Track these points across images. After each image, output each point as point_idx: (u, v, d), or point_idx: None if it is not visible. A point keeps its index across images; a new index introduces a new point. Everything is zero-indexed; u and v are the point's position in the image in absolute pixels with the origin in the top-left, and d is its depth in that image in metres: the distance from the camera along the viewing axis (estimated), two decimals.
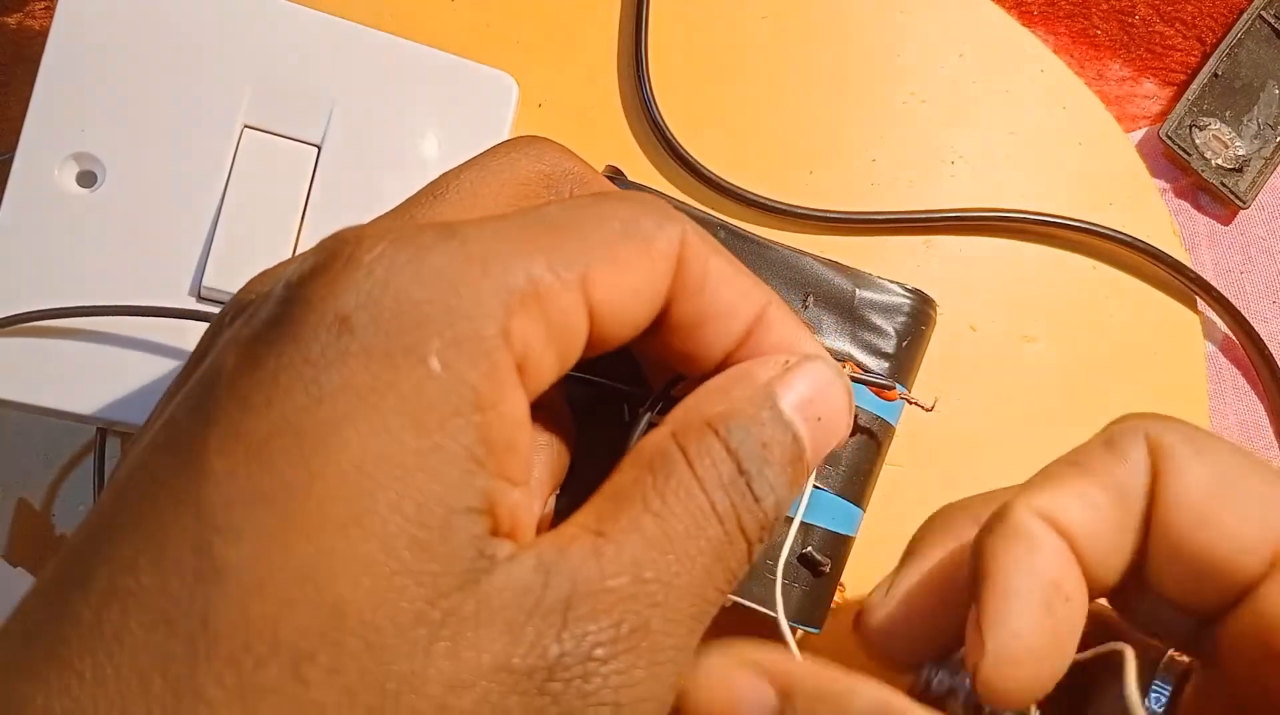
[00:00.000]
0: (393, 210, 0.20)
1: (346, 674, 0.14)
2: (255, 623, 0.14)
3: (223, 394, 0.15)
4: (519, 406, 0.16)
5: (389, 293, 0.15)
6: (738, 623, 0.29)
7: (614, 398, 0.24)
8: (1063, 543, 0.20)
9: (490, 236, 0.17)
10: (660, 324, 0.20)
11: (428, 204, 0.20)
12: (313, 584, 0.14)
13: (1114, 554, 0.20)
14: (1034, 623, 0.19)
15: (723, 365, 0.21)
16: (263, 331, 0.16)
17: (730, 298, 0.20)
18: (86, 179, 0.29)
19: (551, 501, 0.22)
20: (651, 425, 0.22)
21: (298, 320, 0.15)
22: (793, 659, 0.19)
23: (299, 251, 0.29)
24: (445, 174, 0.21)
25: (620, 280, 0.18)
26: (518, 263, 0.16)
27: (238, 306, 0.19)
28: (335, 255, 0.16)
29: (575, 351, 0.18)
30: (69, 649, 0.14)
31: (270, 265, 0.28)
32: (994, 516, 0.21)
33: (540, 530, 0.20)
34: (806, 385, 0.20)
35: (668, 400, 0.22)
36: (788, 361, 0.20)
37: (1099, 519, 0.20)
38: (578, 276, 0.17)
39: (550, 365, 0.17)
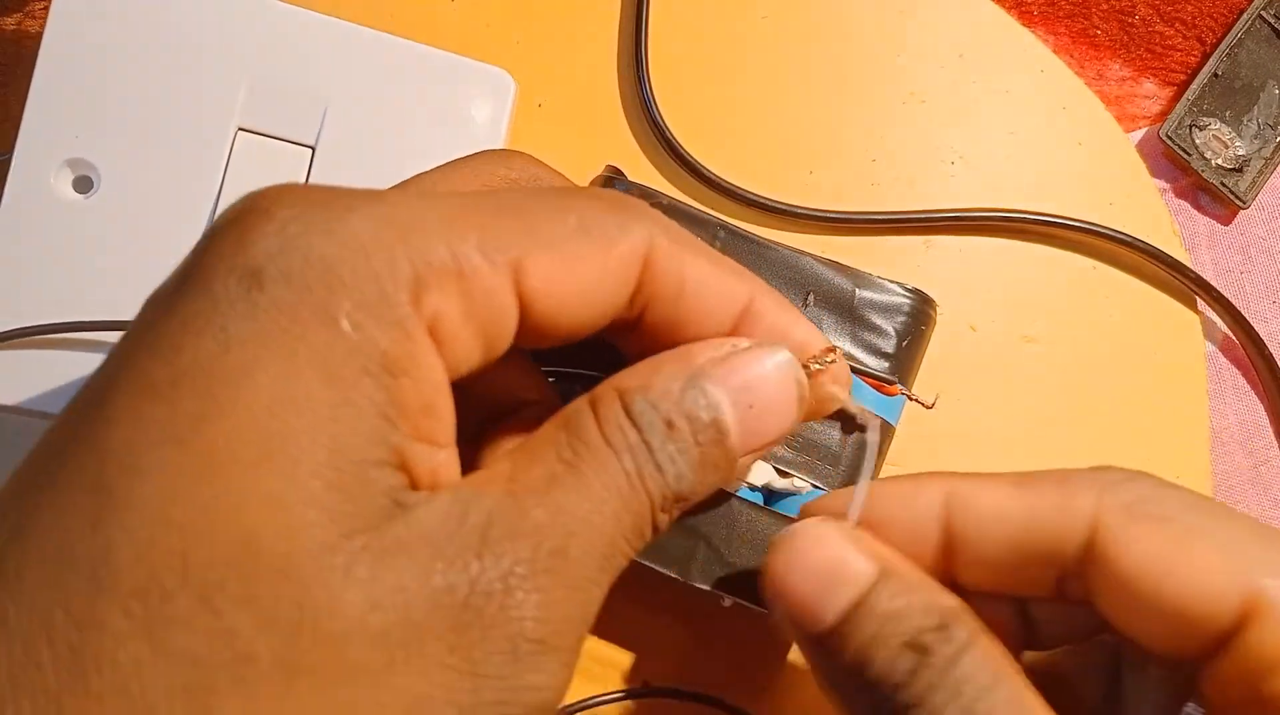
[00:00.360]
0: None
1: (260, 601, 0.14)
2: (161, 555, 0.14)
3: (131, 344, 0.16)
4: (434, 372, 0.17)
5: (300, 250, 0.15)
6: (738, 621, 0.29)
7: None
8: (933, 518, 0.21)
9: (420, 209, 0.17)
10: (640, 324, 0.20)
11: (388, 195, 0.20)
12: (222, 517, 0.14)
13: (1000, 561, 0.21)
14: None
15: None
16: (174, 282, 0.16)
17: (710, 299, 0.20)
18: (82, 185, 0.28)
19: None
20: None
21: (208, 269, 0.15)
22: (888, 547, 0.21)
23: None
24: (416, 175, 0.21)
25: (564, 275, 0.18)
26: (441, 236, 0.16)
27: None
28: (250, 209, 0.16)
29: (502, 335, 0.18)
30: (22, 589, 0.14)
31: None
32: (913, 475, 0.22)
33: None
34: (745, 372, 0.20)
35: None
36: (735, 346, 0.20)
37: (1004, 525, 0.20)
38: (508, 261, 0.17)
39: (470, 343, 0.17)
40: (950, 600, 0.20)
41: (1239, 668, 0.18)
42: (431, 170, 0.21)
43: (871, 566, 0.20)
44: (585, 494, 0.17)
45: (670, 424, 0.18)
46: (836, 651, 0.19)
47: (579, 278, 0.18)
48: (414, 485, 0.17)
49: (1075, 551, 0.20)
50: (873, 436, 0.26)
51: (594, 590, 0.17)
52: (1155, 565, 0.19)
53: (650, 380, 0.19)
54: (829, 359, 0.22)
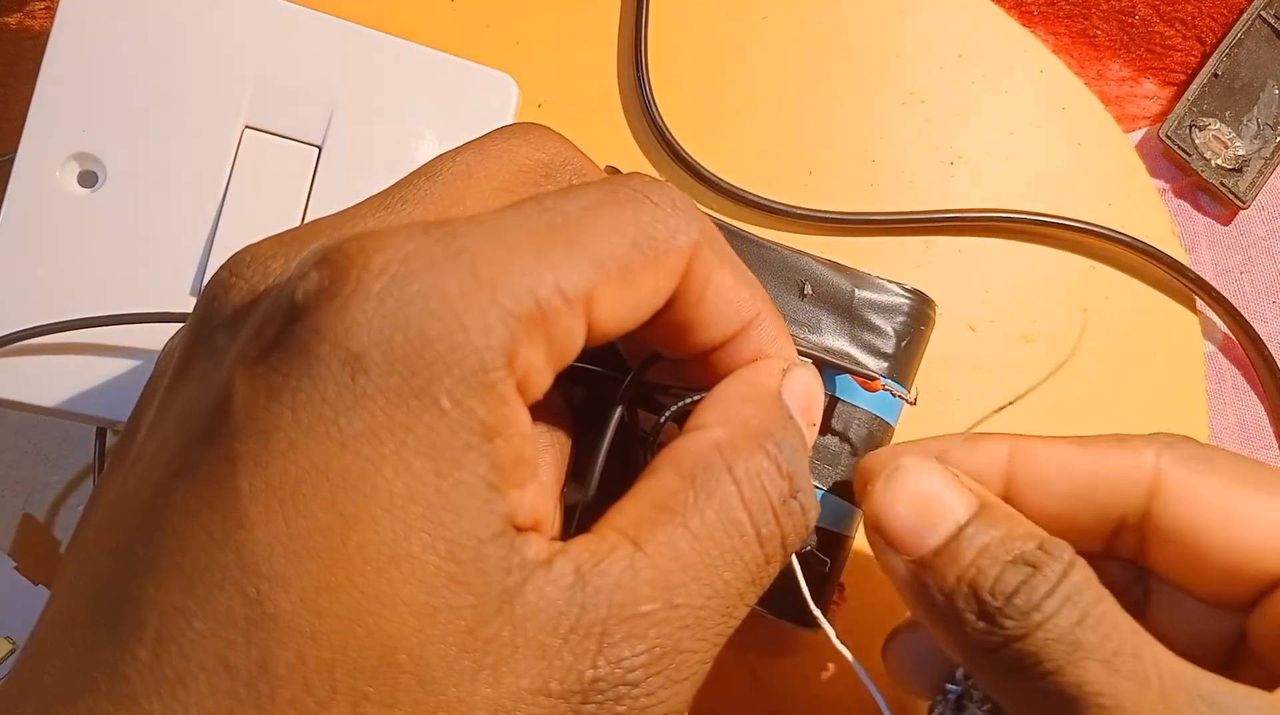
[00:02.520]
0: (386, 192, 0.20)
1: (401, 709, 0.15)
2: (312, 666, 0.15)
3: (240, 427, 0.15)
4: (523, 424, 0.17)
5: (399, 330, 0.15)
6: None
7: (591, 379, 0.24)
8: (997, 470, 0.22)
9: (495, 249, 0.16)
10: (650, 320, 0.20)
11: (422, 186, 0.20)
12: (362, 627, 0.15)
13: (1060, 513, 0.22)
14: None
15: (699, 358, 0.21)
16: (274, 360, 0.16)
17: (724, 312, 0.20)
18: (88, 179, 0.29)
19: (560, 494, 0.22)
20: (628, 411, 0.22)
21: (310, 353, 0.15)
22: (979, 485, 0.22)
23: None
24: (440, 156, 0.20)
25: (625, 296, 0.18)
26: (524, 282, 0.16)
27: (232, 312, 0.18)
28: (341, 276, 0.16)
29: (569, 360, 0.18)
30: (133, 689, 0.15)
31: None
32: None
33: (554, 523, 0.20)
34: (802, 391, 0.20)
35: (641, 385, 0.22)
36: (780, 368, 0.21)
37: (1066, 477, 0.22)
38: (583, 297, 0.17)
39: (547, 378, 0.17)
40: (1040, 533, 0.21)
41: None
42: (459, 152, 0.20)
43: (972, 498, 0.21)
44: (711, 579, 0.17)
45: (780, 469, 0.19)
46: (941, 572, 0.21)
47: (636, 297, 0.18)
48: (519, 529, 0.17)
49: (1138, 501, 0.22)
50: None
51: (703, 669, 0.18)
52: (1218, 510, 0.21)
53: (767, 419, 0.19)
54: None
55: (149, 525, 0.16)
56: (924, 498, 0.22)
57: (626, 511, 0.18)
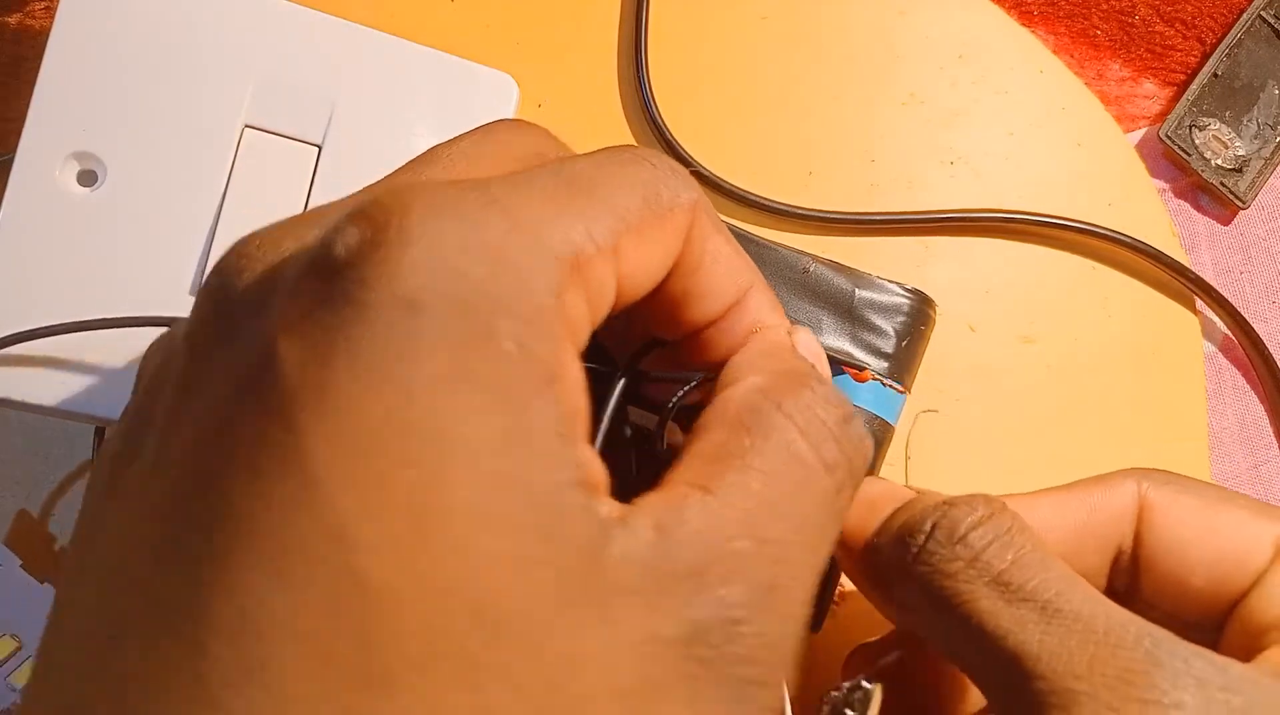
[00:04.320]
0: (385, 179, 0.19)
1: (513, 672, 0.14)
2: (414, 632, 0.13)
3: (295, 391, 0.14)
4: (579, 372, 0.16)
5: (452, 273, 0.15)
6: None
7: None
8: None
9: (526, 200, 0.16)
10: (651, 293, 0.20)
11: (422, 170, 0.19)
12: (461, 590, 0.14)
13: (1073, 554, 0.23)
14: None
15: (692, 335, 0.21)
16: (321, 316, 0.14)
17: (721, 279, 0.20)
18: (87, 178, 0.29)
19: None
20: (628, 392, 0.22)
21: (361, 302, 0.14)
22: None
23: None
24: (436, 146, 0.20)
25: (643, 252, 0.18)
26: (560, 230, 0.16)
27: (248, 289, 0.17)
28: (381, 227, 0.15)
29: (601, 319, 0.17)
30: (208, 687, 0.13)
31: None
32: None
33: None
34: (813, 350, 0.21)
35: (636, 373, 0.22)
36: (789, 329, 0.21)
37: (1064, 524, 0.23)
38: (612, 246, 0.17)
39: (587, 331, 0.17)
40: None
41: (1264, 598, 0.22)
42: (455, 141, 0.20)
43: (911, 491, 0.23)
44: (787, 510, 0.17)
45: (842, 405, 0.19)
46: (882, 532, 0.22)
47: (650, 253, 0.18)
48: (593, 491, 0.16)
49: (1129, 530, 0.23)
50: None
51: (805, 609, 0.17)
52: (1201, 521, 0.23)
53: (801, 364, 0.19)
54: None
55: (202, 512, 0.14)
56: (868, 496, 0.23)
57: (687, 467, 0.17)
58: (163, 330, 0.28)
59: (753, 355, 0.20)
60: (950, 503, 0.21)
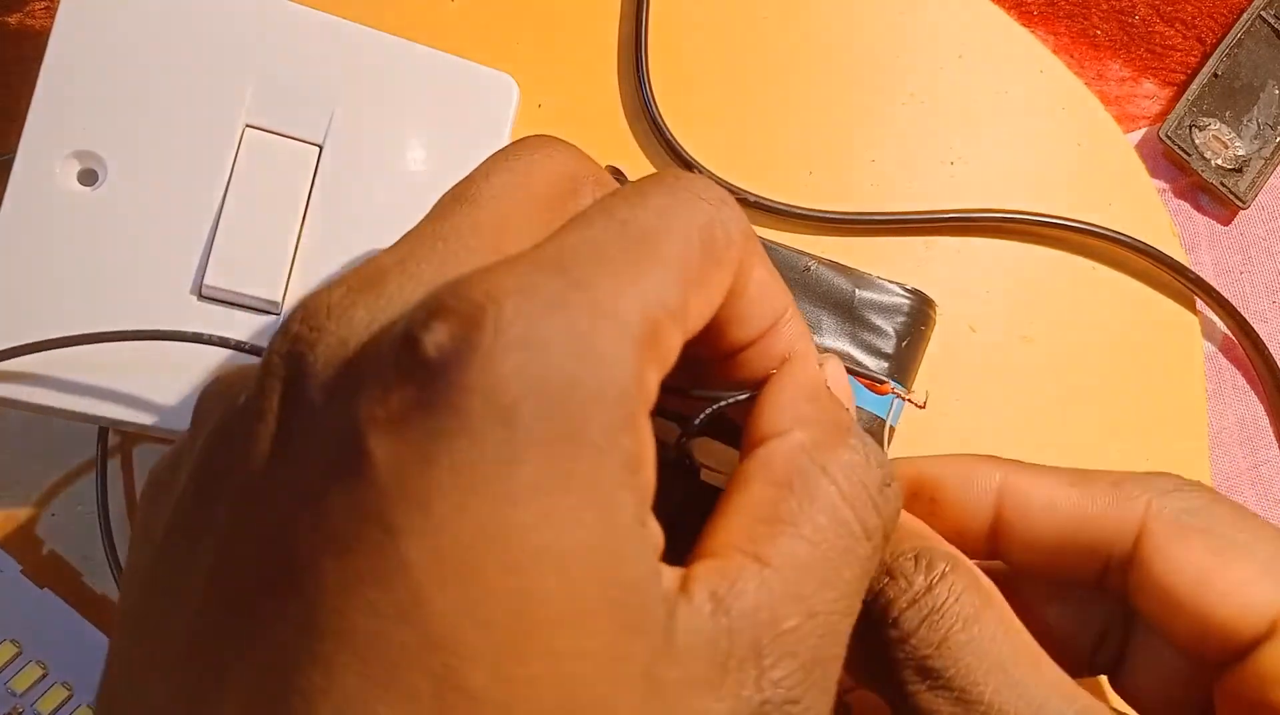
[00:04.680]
0: (433, 223, 0.19)
1: None
2: None
3: (392, 494, 0.14)
4: (651, 443, 0.16)
5: (548, 374, 0.15)
6: None
7: None
8: (987, 501, 0.23)
9: (599, 272, 0.16)
10: None
11: (469, 213, 0.19)
12: (554, 689, 0.14)
13: (1047, 547, 0.22)
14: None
15: (728, 359, 0.21)
16: (420, 421, 0.15)
17: (760, 306, 0.20)
18: (88, 177, 0.29)
19: None
20: (687, 440, 0.22)
21: (462, 410, 0.14)
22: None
23: (299, 250, 0.29)
24: (469, 176, 0.20)
25: (704, 300, 0.18)
26: (637, 306, 0.16)
27: (326, 368, 0.16)
28: (476, 326, 0.15)
29: (667, 372, 0.18)
30: None
31: (268, 266, 0.28)
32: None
33: None
34: (841, 384, 0.21)
35: (706, 426, 0.22)
36: (820, 362, 0.21)
37: (1061, 514, 0.22)
38: (682, 308, 0.17)
39: (656, 394, 0.17)
40: (940, 545, 0.21)
41: (1254, 680, 0.20)
42: (490, 175, 0.20)
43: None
44: (835, 581, 0.17)
45: (883, 468, 0.19)
46: None
47: (709, 298, 0.18)
48: (661, 567, 0.16)
49: (1122, 551, 0.22)
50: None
51: (838, 674, 0.18)
52: (1194, 576, 0.21)
53: (838, 415, 0.19)
54: None
55: (294, 606, 0.14)
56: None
57: (733, 528, 0.18)
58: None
59: (792, 398, 0.20)
60: (891, 572, 0.20)
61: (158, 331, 0.28)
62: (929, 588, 0.20)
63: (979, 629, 0.19)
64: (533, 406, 0.15)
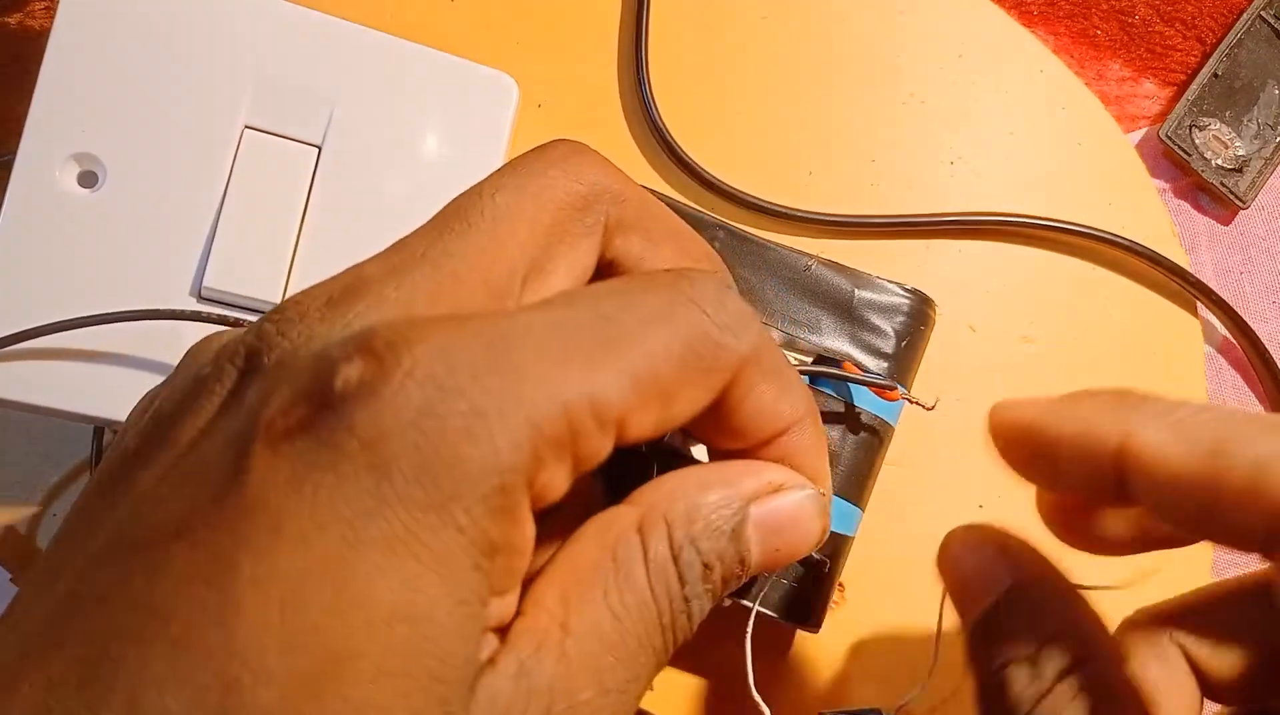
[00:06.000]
0: (427, 235, 0.19)
1: None
2: None
3: (253, 506, 0.15)
4: (526, 542, 0.17)
5: (432, 441, 0.15)
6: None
7: None
8: (1108, 464, 0.20)
9: (541, 364, 0.16)
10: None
11: (464, 233, 0.19)
12: None
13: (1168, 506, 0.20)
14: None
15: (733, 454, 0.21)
16: (301, 445, 0.15)
17: (759, 422, 0.20)
18: (88, 179, 0.29)
19: None
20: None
21: (339, 449, 0.15)
22: (1035, 553, 0.22)
23: (298, 251, 0.29)
24: (477, 189, 0.20)
25: (660, 413, 0.18)
26: (559, 403, 0.16)
27: (267, 369, 0.17)
28: (384, 374, 0.15)
29: (589, 469, 0.18)
30: None
31: (267, 267, 0.28)
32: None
33: None
34: (784, 517, 0.20)
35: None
36: (773, 482, 0.20)
37: (1177, 494, 0.19)
38: (616, 419, 0.17)
39: (564, 487, 0.17)
40: (1071, 616, 0.21)
41: None
42: (497, 188, 0.19)
43: (1006, 578, 0.22)
44: (631, 664, 0.18)
45: (708, 567, 0.19)
46: (980, 642, 0.22)
47: (670, 412, 0.18)
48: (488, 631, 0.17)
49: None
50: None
51: None
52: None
53: (696, 512, 0.19)
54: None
55: (141, 581, 0.15)
56: (969, 572, 0.23)
57: (554, 584, 0.18)
58: (163, 325, 0.28)
59: (692, 479, 0.20)
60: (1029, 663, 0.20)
61: (156, 311, 0.28)
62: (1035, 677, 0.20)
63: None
64: (408, 468, 0.15)
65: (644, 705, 0.30)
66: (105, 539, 0.16)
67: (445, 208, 0.19)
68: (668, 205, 0.30)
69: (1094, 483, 0.21)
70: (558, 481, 0.17)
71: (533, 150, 0.21)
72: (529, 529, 0.17)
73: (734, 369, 0.19)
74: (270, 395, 0.16)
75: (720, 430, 0.20)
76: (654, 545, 0.19)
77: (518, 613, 0.18)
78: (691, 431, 0.20)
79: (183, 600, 0.15)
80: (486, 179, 0.20)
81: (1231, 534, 0.19)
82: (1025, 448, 0.22)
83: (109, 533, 0.16)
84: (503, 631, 0.17)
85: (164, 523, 0.16)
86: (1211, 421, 0.19)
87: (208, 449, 0.16)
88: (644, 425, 0.18)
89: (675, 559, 0.19)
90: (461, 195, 0.20)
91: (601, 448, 0.17)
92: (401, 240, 0.19)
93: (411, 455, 0.15)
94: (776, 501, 0.20)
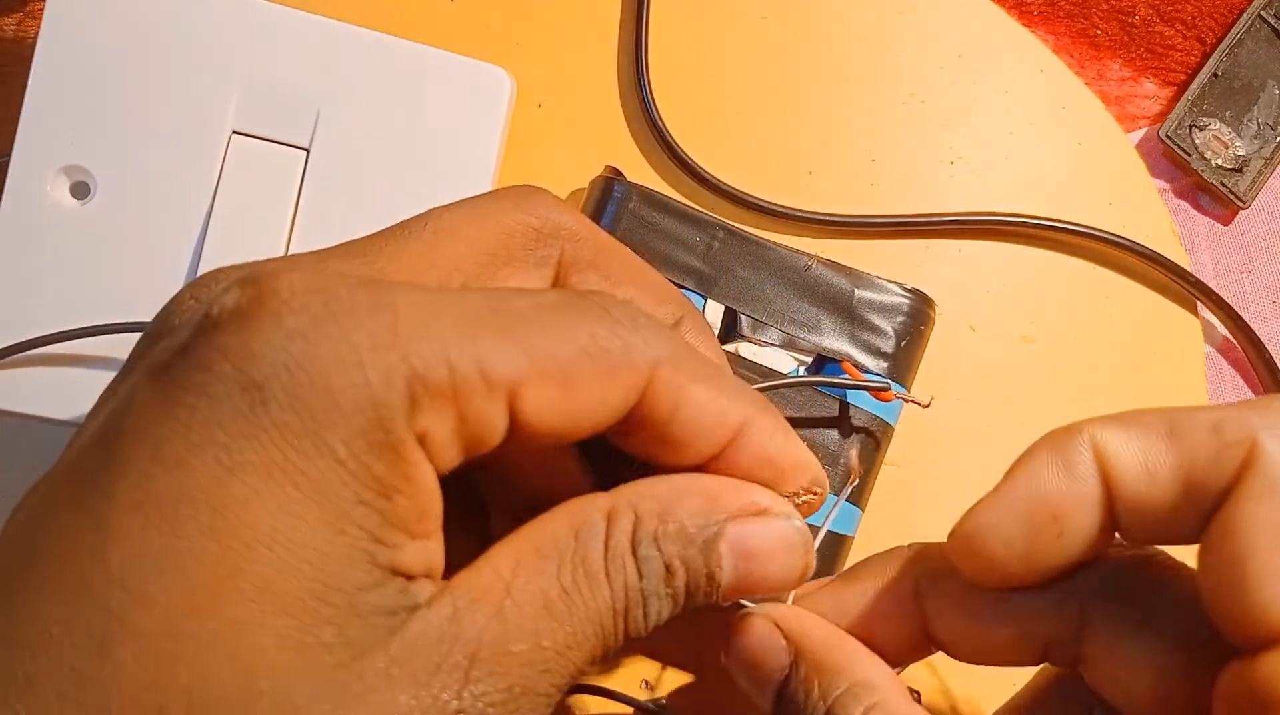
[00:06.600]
0: (364, 239, 0.20)
1: None
2: (167, 688, 0.14)
3: (131, 434, 0.15)
4: (427, 480, 0.17)
5: (304, 368, 0.15)
6: None
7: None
8: (1094, 478, 0.20)
9: (422, 313, 0.16)
10: (630, 431, 0.20)
11: (400, 239, 0.19)
12: (225, 653, 0.15)
13: (1154, 519, 0.20)
14: (1006, 526, 0.20)
15: (697, 468, 0.20)
16: (176, 371, 0.16)
17: (704, 425, 0.20)
18: (79, 191, 0.29)
19: None
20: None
21: (211, 370, 0.15)
22: (814, 621, 0.22)
23: (288, 255, 0.29)
24: (429, 211, 0.20)
25: (560, 399, 0.18)
26: (440, 350, 0.16)
27: (164, 323, 0.18)
28: (259, 301, 0.16)
29: (486, 445, 0.18)
30: None
31: None
32: (1060, 428, 0.21)
33: None
34: (762, 543, 0.20)
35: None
36: (758, 503, 0.20)
37: (1153, 479, 0.20)
38: (505, 384, 0.17)
39: (454, 454, 0.17)
40: (859, 674, 0.21)
41: (1263, 679, 0.18)
42: (449, 208, 0.20)
43: (785, 656, 0.22)
44: (570, 630, 0.18)
45: (670, 570, 0.19)
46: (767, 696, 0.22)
47: (573, 402, 0.18)
48: (409, 576, 0.17)
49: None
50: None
51: (550, 703, 0.18)
52: (1260, 538, 0.18)
53: (668, 514, 0.19)
54: (814, 494, 0.21)
55: (34, 523, 0.16)
56: (752, 655, 0.22)
57: (512, 549, 0.18)
58: None
59: (679, 486, 0.20)
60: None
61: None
62: None
63: None
64: (280, 393, 0.15)
65: (644, 697, 0.30)
66: (28, 496, 0.17)
67: (399, 222, 0.20)
68: (668, 205, 0.30)
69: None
70: (443, 437, 0.17)
71: (497, 190, 0.21)
72: (424, 473, 0.17)
73: (645, 371, 0.19)
74: (160, 339, 0.17)
75: (663, 443, 0.20)
76: (616, 534, 0.19)
77: (471, 568, 0.18)
78: (637, 452, 0.20)
79: (64, 534, 0.15)
80: (442, 205, 0.20)
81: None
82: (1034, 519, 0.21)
83: (30, 492, 0.17)
84: (446, 580, 0.17)
85: (61, 469, 0.16)
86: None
87: (106, 400, 0.17)
88: (543, 406, 0.17)
89: (633, 551, 0.19)
90: (414, 215, 0.20)
91: (491, 413, 0.17)
92: (351, 240, 0.19)
93: (283, 377, 0.15)
94: (757, 525, 0.20)
